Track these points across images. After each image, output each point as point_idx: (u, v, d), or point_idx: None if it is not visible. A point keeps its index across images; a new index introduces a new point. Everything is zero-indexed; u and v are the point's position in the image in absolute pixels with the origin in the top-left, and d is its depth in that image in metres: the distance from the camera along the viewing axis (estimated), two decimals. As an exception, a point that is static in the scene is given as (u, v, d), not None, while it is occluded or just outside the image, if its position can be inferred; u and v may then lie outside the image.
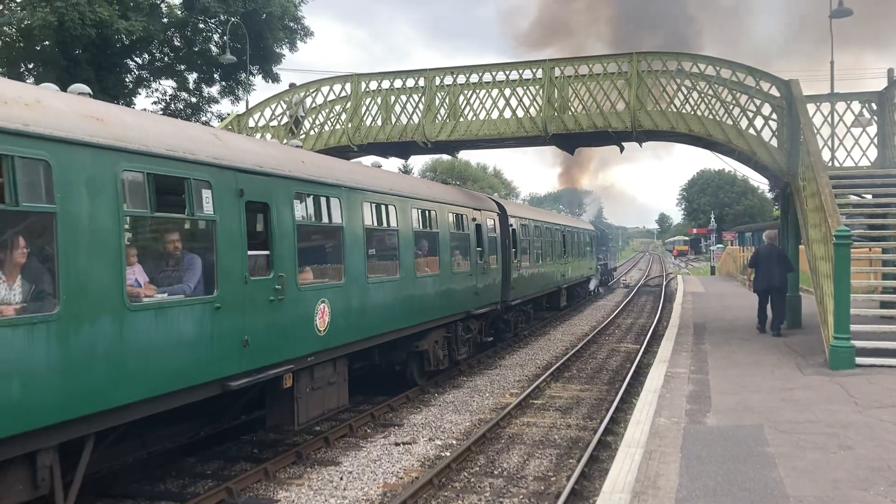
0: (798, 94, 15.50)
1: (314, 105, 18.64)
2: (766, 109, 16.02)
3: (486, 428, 10.92)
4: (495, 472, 9.34)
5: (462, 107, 17.46)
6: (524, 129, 17.02)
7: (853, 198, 15.09)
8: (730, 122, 16.02)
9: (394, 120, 17.90)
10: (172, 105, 33.67)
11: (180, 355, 7.16)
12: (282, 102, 18.92)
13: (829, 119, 15.91)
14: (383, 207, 11.84)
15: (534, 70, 17.11)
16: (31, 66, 29.08)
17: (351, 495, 8.45)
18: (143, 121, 7.36)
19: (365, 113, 18.14)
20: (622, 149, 18.66)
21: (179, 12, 30.94)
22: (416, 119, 17.67)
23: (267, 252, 8.70)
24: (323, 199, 10.09)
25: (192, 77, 33.88)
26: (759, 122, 15.99)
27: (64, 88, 7.09)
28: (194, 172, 7.43)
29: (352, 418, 11.53)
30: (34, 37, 26.06)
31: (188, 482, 8.96)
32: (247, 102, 32.88)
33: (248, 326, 8.13)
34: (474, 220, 16.40)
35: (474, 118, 17.34)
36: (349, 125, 18.09)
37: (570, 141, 18.32)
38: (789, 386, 10.52)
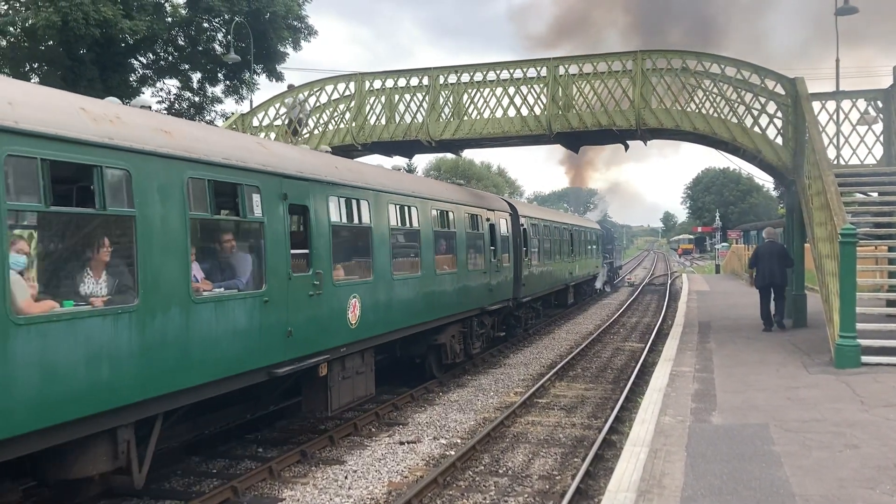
0: (803, 91, 15.45)
1: (318, 104, 18.63)
2: (772, 107, 15.96)
3: (490, 427, 10.91)
4: (500, 471, 9.34)
5: (466, 105, 17.43)
6: (528, 127, 16.99)
7: (859, 196, 15.04)
8: (735, 120, 15.98)
9: (398, 119, 17.88)
10: (176, 104, 33.69)
11: (235, 344, 7.93)
12: (282, 105, 18.93)
13: (834, 117, 15.86)
14: (406, 209, 12.59)
15: (538, 68, 17.07)
16: (35, 65, 29.13)
17: (356, 494, 8.45)
18: (203, 132, 8.33)
19: (369, 112, 18.12)
20: (627, 147, 18.63)
21: (184, 11, 30.96)
22: (420, 118, 17.65)
23: (306, 251, 9.45)
24: (354, 202, 10.84)
25: (196, 76, 33.90)
26: (764, 120, 15.94)
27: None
28: (246, 178, 8.24)
29: (356, 417, 11.54)
30: (38, 37, 26.08)
31: (193, 481, 8.97)
32: (251, 102, 32.95)
33: (291, 319, 8.90)
34: (488, 220, 17.04)
35: (478, 117, 17.31)
36: (353, 124, 18.08)
37: (575, 139, 18.29)
38: (795, 385, 10.49)
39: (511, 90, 17.14)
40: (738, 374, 11.51)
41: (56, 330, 5.86)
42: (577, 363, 17.25)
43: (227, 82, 33.97)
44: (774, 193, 67.09)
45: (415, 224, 12.85)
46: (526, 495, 8.44)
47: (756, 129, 15.92)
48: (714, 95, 16.06)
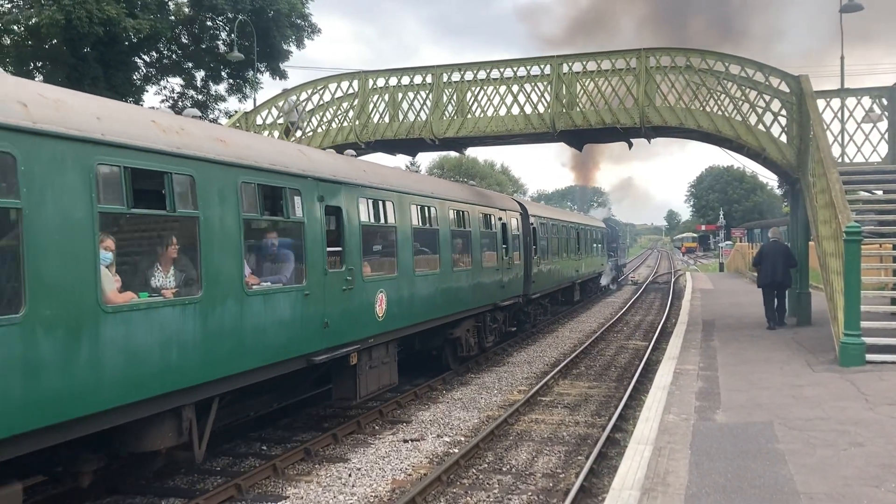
0: (808, 89, 15.41)
1: (321, 102, 18.64)
2: (776, 105, 15.93)
3: (494, 425, 10.91)
4: (504, 469, 9.33)
5: (470, 103, 17.42)
6: (532, 125, 16.98)
7: (863, 194, 14.99)
8: (739, 117, 15.95)
9: (401, 117, 17.87)
10: (180, 103, 33.72)
11: (280, 333, 8.68)
12: (274, 109, 18.97)
13: (839, 114, 15.82)
14: (426, 209, 13.37)
15: (542, 66, 17.05)
16: (39, 64, 29.16)
17: (359, 492, 8.46)
18: (250, 140, 9.19)
19: (372, 110, 18.11)
20: (630, 145, 18.60)
21: (187, 10, 30.98)
22: (423, 116, 17.64)
23: (339, 248, 10.18)
24: (380, 203, 11.62)
25: (199, 75, 33.95)
26: (768, 117, 15.92)
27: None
28: (288, 182, 9.02)
29: (360, 415, 11.55)
30: (42, 35, 26.11)
31: (197, 479, 8.98)
32: (254, 100, 32.93)
33: (327, 311, 9.67)
34: (500, 219, 17.70)
35: (482, 115, 17.31)
36: (357, 122, 18.07)
37: (579, 137, 18.28)
38: (799, 383, 10.48)
39: (515, 88, 17.13)
40: (743, 372, 11.49)
41: (136, 318, 6.63)
42: (580, 361, 17.24)
43: (231, 80, 34.01)
44: (778, 191, 67.02)
45: (434, 224, 13.61)
46: (530, 493, 8.44)
47: (760, 126, 15.90)
48: (718, 93, 16.03)
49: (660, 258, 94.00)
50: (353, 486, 8.67)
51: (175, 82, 33.91)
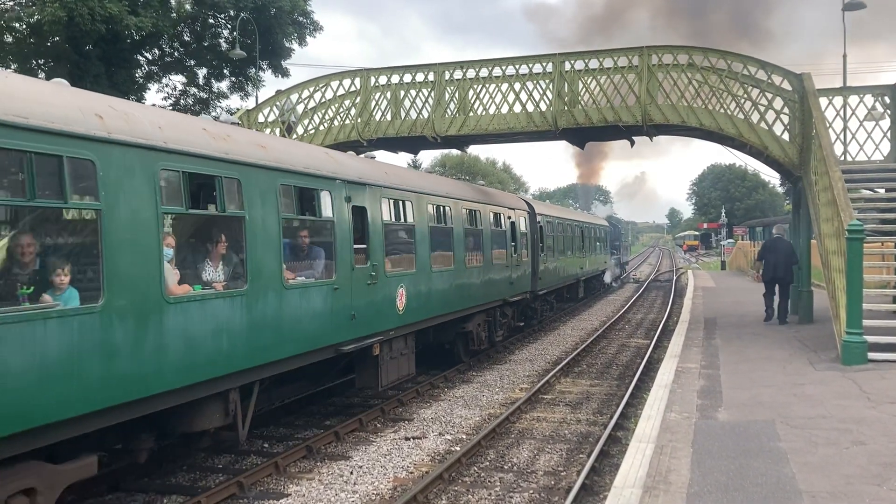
0: (810, 87, 15.39)
1: (323, 100, 18.64)
2: (778, 103, 15.91)
3: (496, 423, 10.91)
4: (505, 467, 9.34)
5: (472, 101, 17.41)
6: (534, 123, 16.97)
7: (866, 192, 14.98)
8: (741, 115, 15.93)
9: (403, 115, 17.86)
10: (182, 100, 33.72)
11: (313, 323, 9.38)
12: (275, 108, 19.00)
13: (841, 113, 15.80)
14: (442, 208, 14.04)
15: (543, 64, 17.03)
16: (41, 62, 29.16)
17: (361, 490, 8.46)
18: (286, 146, 9.95)
19: (374, 108, 18.10)
20: (633, 143, 18.58)
21: (189, 7, 30.95)
22: (425, 114, 17.63)
23: (364, 246, 10.85)
24: (401, 203, 12.28)
25: (201, 72, 33.91)
26: (770, 116, 15.90)
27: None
28: (320, 184, 9.72)
29: (362, 412, 11.56)
30: (44, 32, 26.10)
31: (199, 476, 9.00)
32: (256, 98, 32.93)
33: (354, 304, 10.33)
34: (509, 218, 18.38)
35: (484, 113, 17.30)
36: (358, 120, 18.07)
37: (581, 135, 18.26)
38: (801, 381, 10.47)
39: (517, 86, 17.12)
40: (744, 370, 11.49)
41: (192, 308, 7.30)
42: (582, 359, 17.24)
43: (233, 78, 33.99)
44: (781, 190, 66.91)
45: (449, 222, 14.29)
46: (531, 491, 8.44)
47: (762, 125, 15.88)
48: (720, 91, 16.01)
49: (661, 256, 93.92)
50: (354, 483, 8.68)
51: (177, 80, 33.92)
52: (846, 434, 7.69)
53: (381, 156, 20.45)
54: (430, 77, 17.64)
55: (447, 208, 14.19)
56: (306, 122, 18.84)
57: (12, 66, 27.61)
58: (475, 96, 17.39)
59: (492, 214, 16.97)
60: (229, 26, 31.42)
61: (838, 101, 15.85)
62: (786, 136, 15.81)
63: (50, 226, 6.40)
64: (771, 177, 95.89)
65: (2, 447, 5.47)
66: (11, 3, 27.57)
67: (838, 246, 12.02)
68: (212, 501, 7.94)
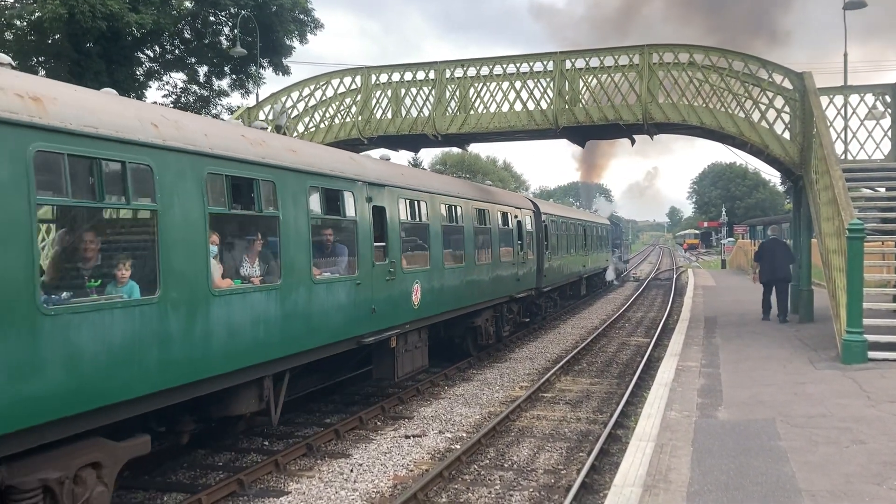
0: (811, 86, 15.38)
1: (324, 97, 18.64)
2: (779, 102, 15.91)
3: (496, 421, 10.92)
4: (505, 465, 9.34)
5: (472, 99, 17.41)
6: (535, 121, 16.97)
7: (866, 191, 14.98)
8: (742, 114, 15.92)
9: (404, 113, 17.86)
10: (183, 98, 33.70)
11: (338, 316, 9.97)
12: (271, 109, 19.05)
13: (842, 112, 15.79)
14: (454, 208, 14.59)
15: (544, 62, 17.03)
16: (42, 59, 29.14)
17: (361, 488, 8.47)
18: (314, 150, 10.39)
19: (375, 106, 18.10)
20: (633, 141, 18.58)
21: (190, 5, 30.92)
22: (426, 112, 17.63)
23: (383, 244, 11.41)
24: (416, 202, 12.86)
25: (202, 70, 33.87)
26: (771, 114, 15.89)
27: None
28: (345, 186, 10.33)
29: (362, 410, 11.57)
30: (45, 30, 26.08)
31: (199, 474, 9.00)
32: (257, 95, 32.91)
33: (374, 298, 10.93)
34: (516, 217, 18.93)
35: (485, 111, 17.30)
36: (359, 118, 18.07)
37: (581, 133, 18.26)
38: (801, 380, 10.47)
39: (518, 84, 17.12)
40: (745, 369, 11.49)
41: (234, 300, 7.88)
42: (582, 358, 17.24)
43: (234, 76, 33.96)
44: (781, 188, 66.92)
45: (460, 221, 14.83)
46: (531, 489, 8.45)
47: (763, 123, 15.87)
48: (721, 90, 16.00)
49: (661, 255, 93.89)
50: (354, 481, 8.69)
51: (178, 77, 33.88)
52: (846, 433, 7.70)
53: (381, 154, 20.46)
54: (431, 75, 17.64)
55: (458, 208, 14.74)
56: (307, 119, 18.84)
57: (13, 64, 27.52)
58: (476, 94, 17.39)
59: (500, 213, 17.47)
60: (230, 24, 31.40)
61: (839, 99, 15.85)
62: (786, 135, 15.80)
63: (114, 225, 7.28)
64: (771, 175, 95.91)
65: (75, 423, 6.00)
66: (12, 0, 27.56)
67: (839, 245, 12.02)
68: (212, 499, 7.94)
